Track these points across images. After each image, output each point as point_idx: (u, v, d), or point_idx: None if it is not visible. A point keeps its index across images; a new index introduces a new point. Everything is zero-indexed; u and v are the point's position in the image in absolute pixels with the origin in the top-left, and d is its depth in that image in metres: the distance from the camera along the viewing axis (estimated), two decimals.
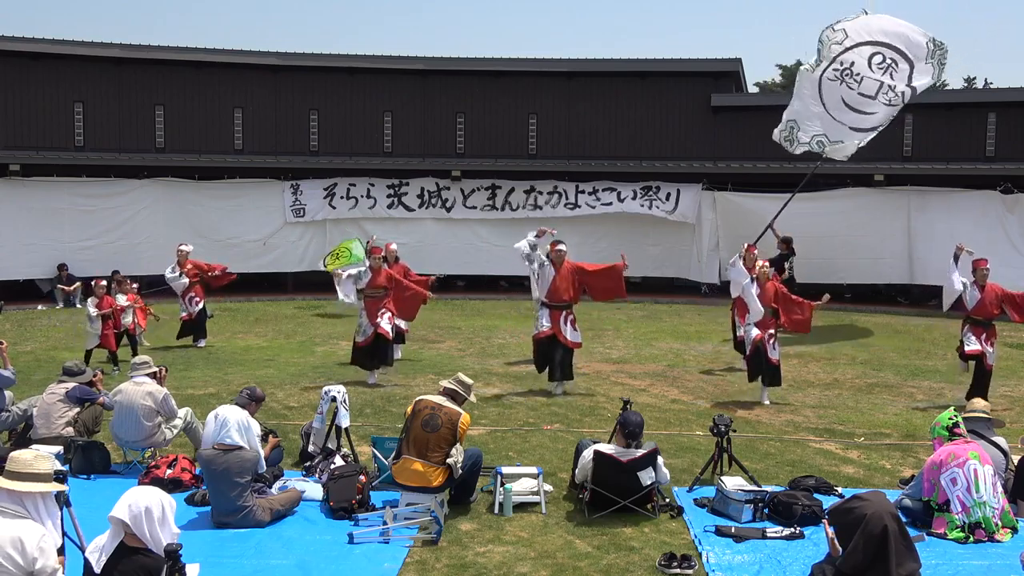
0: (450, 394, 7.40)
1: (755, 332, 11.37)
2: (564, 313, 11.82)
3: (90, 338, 13.55)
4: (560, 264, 11.82)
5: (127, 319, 14.06)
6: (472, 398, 7.64)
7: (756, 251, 14.15)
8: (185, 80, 24.36)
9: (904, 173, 22.42)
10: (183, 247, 15.59)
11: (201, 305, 15.35)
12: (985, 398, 10.68)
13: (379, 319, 12.24)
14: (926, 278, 21.33)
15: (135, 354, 13.89)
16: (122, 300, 14.13)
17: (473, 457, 7.39)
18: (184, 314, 15.33)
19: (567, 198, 23.32)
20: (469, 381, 7.58)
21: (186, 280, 15.12)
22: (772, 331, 11.44)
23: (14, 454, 5.03)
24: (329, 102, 25.13)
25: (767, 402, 11.34)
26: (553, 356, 11.75)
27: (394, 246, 15.00)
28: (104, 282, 14.09)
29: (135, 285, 15.46)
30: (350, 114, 25.17)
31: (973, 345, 11.30)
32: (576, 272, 11.94)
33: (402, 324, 14.19)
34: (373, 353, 12.27)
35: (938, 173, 22.14)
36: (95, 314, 13.37)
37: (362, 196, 23.38)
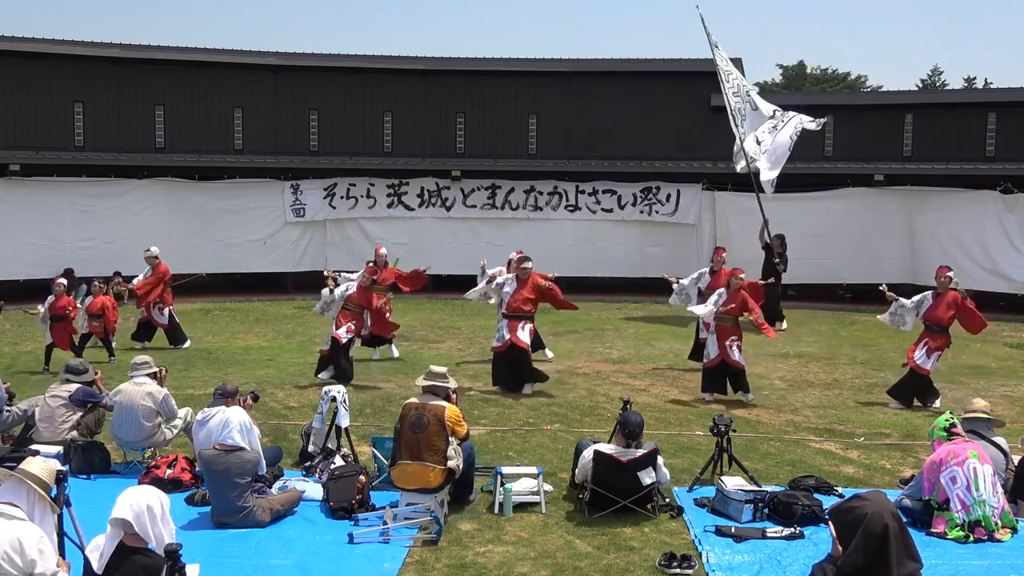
0: (430, 391, 7.32)
1: (715, 351, 11.45)
2: (522, 322, 11.91)
3: (46, 335, 13.54)
4: (526, 280, 11.97)
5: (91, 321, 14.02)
6: (452, 383, 7.49)
7: (725, 253, 14.22)
8: (185, 80, 24.33)
9: (904, 173, 22.42)
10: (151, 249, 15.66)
11: (167, 313, 15.33)
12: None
13: (337, 329, 12.24)
14: (926, 278, 21.31)
15: (111, 355, 13.94)
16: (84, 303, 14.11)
17: (466, 451, 7.37)
18: (143, 317, 15.44)
19: (567, 199, 23.30)
20: (441, 370, 7.46)
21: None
22: (734, 336, 11.47)
23: (32, 459, 5.02)
24: (329, 102, 25.10)
25: (709, 397, 11.44)
26: (511, 365, 11.81)
27: (383, 250, 14.84)
28: (63, 280, 14.01)
29: (124, 287, 15.39)
30: (350, 114, 25.15)
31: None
32: (535, 287, 11.97)
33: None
34: (330, 359, 12.26)
35: (938, 173, 22.12)
36: (43, 312, 13.46)
37: (362, 196, 23.36)
